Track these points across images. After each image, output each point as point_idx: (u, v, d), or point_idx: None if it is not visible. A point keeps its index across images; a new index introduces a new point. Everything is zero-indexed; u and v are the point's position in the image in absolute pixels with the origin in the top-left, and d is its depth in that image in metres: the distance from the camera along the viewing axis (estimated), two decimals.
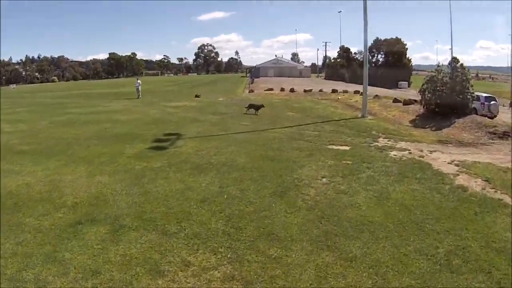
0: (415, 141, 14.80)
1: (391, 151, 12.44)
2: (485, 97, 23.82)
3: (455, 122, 19.16)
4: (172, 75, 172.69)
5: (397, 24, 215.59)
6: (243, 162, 10.68)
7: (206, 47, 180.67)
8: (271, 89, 39.46)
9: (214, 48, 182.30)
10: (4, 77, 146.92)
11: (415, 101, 26.09)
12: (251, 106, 21.45)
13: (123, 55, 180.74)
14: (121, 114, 21.72)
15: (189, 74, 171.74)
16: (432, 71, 21.47)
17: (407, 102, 24.79)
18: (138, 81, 36.18)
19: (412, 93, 40.50)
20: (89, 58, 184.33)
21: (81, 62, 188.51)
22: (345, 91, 35.80)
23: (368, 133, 15.88)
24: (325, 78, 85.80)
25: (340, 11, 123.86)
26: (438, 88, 20.21)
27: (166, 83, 72.48)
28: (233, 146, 12.70)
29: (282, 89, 38.77)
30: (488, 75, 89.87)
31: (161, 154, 11.68)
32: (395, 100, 26.32)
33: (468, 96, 20.16)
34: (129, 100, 32.27)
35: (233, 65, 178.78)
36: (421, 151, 12.88)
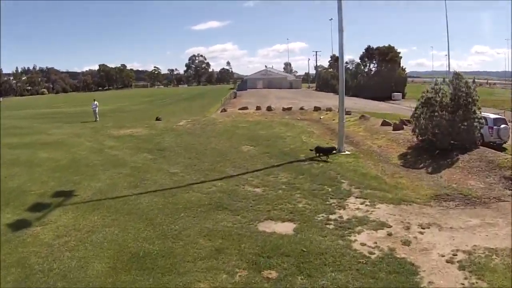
0: (402, 201, 10.37)
1: (358, 233, 8.10)
2: (494, 119, 19.39)
3: (458, 159, 14.66)
4: (162, 86, 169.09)
5: (391, 30, 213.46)
6: (94, 274, 6.32)
7: (197, 58, 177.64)
8: (246, 108, 35.15)
9: (205, 59, 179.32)
10: None
11: (408, 121, 21.87)
12: (319, 150, 15.46)
13: (113, 66, 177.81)
14: (49, 149, 18.88)
15: (179, 85, 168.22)
16: (427, 91, 16.95)
17: (397, 127, 20.38)
18: (95, 102, 31.99)
19: (406, 107, 36.81)
20: (85, 69, 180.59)
21: (74, 73, 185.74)
22: (329, 109, 31.44)
23: (336, 187, 11.44)
24: (316, 89, 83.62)
25: (331, 19, 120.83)
26: (436, 114, 15.80)
27: (141, 98, 68.13)
28: (113, 227, 8.55)
29: (258, 108, 34.42)
30: (485, 81, 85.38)
31: None
32: (384, 123, 21.91)
33: (475, 123, 15.74)
34: (83, 124, 29.47)
35: (225, 76, 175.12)
36: (408, 228, 8.58)
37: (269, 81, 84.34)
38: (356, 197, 10.55)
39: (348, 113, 28.06)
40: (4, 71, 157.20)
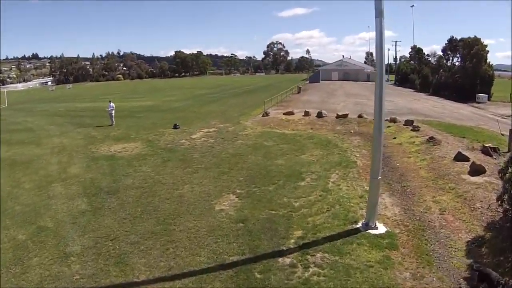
0: None
1: None
2: None
3: None
4: (238, 74, 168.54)
5: (477, 20, 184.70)
6: None
7: (275, 45, 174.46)
8: (291, 113, 29.17)
9: (284, 47, 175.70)
10: (72, 75, 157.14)
11: (495, 150, 15.33)
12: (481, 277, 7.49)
13: (189, 53, 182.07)
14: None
15: (256, 73, 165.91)
16: None
17: (477, 168, 12.97)
18: (111, 104, 28.90)
19: (493, 114, 31.48)
20: (170, 54, 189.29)
21: (150, 58, 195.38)
22: (393, 120, 24.24)
23: None
24: (394, 83, 76.21)
25: (413, 6, 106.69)
26: None
27: (198, 90, 65.65)
28: None
29: (307, 113, 28.22)
30: None
31: None
32: (459, 157, 14.57)
33: None
34: (94, 129, 27.06)
35: (304, 64, 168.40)
36: None
37: (344, 72, 76.25)
38: None
39: (415, 128, 20.95)
40: (82, 55, 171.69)
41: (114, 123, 28.32)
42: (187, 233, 9.92)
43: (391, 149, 18.27)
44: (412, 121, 22.64)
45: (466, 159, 14.37)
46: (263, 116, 29.70)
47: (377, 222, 9.87)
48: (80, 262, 8.83)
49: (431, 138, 17.98)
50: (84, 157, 18.42)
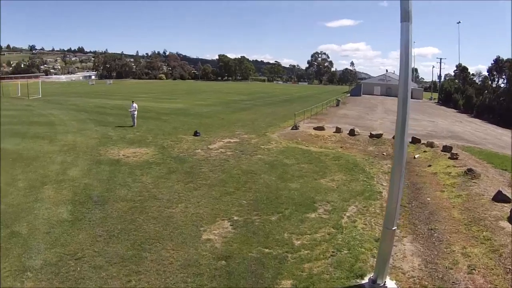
0: None
1: None
2: None
3: None
4: (280, 82, 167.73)
5: None
6: None
7: (320, 55, 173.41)
8: (322, 128, 27.50)
9: (328, 57, 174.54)
10: (115, 70, 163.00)
11: None
12: None
13: (233, 57, 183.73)
14: None
15: (299, 82, 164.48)
16: None
17: None
18: (134, 105, 28.48)
19: None
20: (215, 57, 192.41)
21: (195, 60, 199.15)
22: (430, 145, 22.16)
23: None
24: (437, 102, 73.86)
25: (459, 22, 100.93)
26: None
27: (233, 96, 65.08)
28: None
29: (338, 130, 26.44)
30: None
31: None
32: (499, 197, 12.50)
33: None
34: (113, 129, 26.61)
35: (348, 76, 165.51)
36: None
37: (387, 87, 73.50)
38: None
39: (454, 156, 18.95)
40: (127, 52, 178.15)
41: (135, 124, 27.87)
42: (158, 264, 8.62)
43: (424, 179, 16.29)
44: (450, 147, 20.61)
45: (507, 200, 12.34)
46: (292, 129, 28.31)
47: (388, 278, 8.12)
48: (35, 279, 7.93)
49: (470, 170, 15.85)
50: (89, 159, 17.71)
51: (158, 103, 47.16)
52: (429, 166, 18.38)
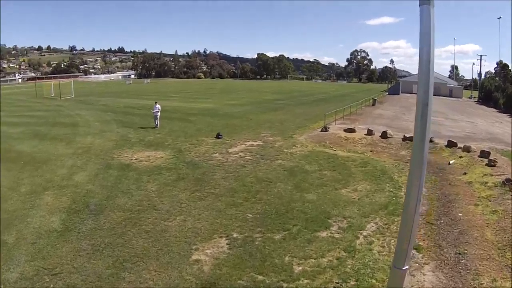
0: None
1: None
2: None
3: None
4: (319, 80, 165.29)
5: None
6: None
7: (359, 53, 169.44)
8: (352, 130, 25.85)
9: (367, 55, 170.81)
10: (153, 70, 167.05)
11: None
12: None
13: (272, 56, 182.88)
14: None
15: (338, 81, 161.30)
16: None
17: None
18: (157, 105, 28.13)
19: None
20: (255, 56, 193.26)
21: (234, 58, 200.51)
22: (467, 149, 20.17)
23: None
24: (477, 101, 69.95)
25: (500, 17, 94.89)
26: None
27: (267, 95, 63.97)
28: None
29: (370, 132, 24.77)
30: None
31: None
32: None
33: None
34: (134, 130, 26.40)
35: (387, 74, 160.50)
36: None
37: None
38: None
39: (491, 162, 17.30)
40: (165, 51, 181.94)
41: (158, 126, 27.55)
42: None
43: (457, 190, 14.57)
44: (488, 153, 18.60)
45: None
46: (321, 130, 26.95)
47: None
48: None
49: (508, 180, 14.05)
50: (100, 163, 17.29)
51: (189, 103, 46.97)
52: (464, 174, 16.58)
